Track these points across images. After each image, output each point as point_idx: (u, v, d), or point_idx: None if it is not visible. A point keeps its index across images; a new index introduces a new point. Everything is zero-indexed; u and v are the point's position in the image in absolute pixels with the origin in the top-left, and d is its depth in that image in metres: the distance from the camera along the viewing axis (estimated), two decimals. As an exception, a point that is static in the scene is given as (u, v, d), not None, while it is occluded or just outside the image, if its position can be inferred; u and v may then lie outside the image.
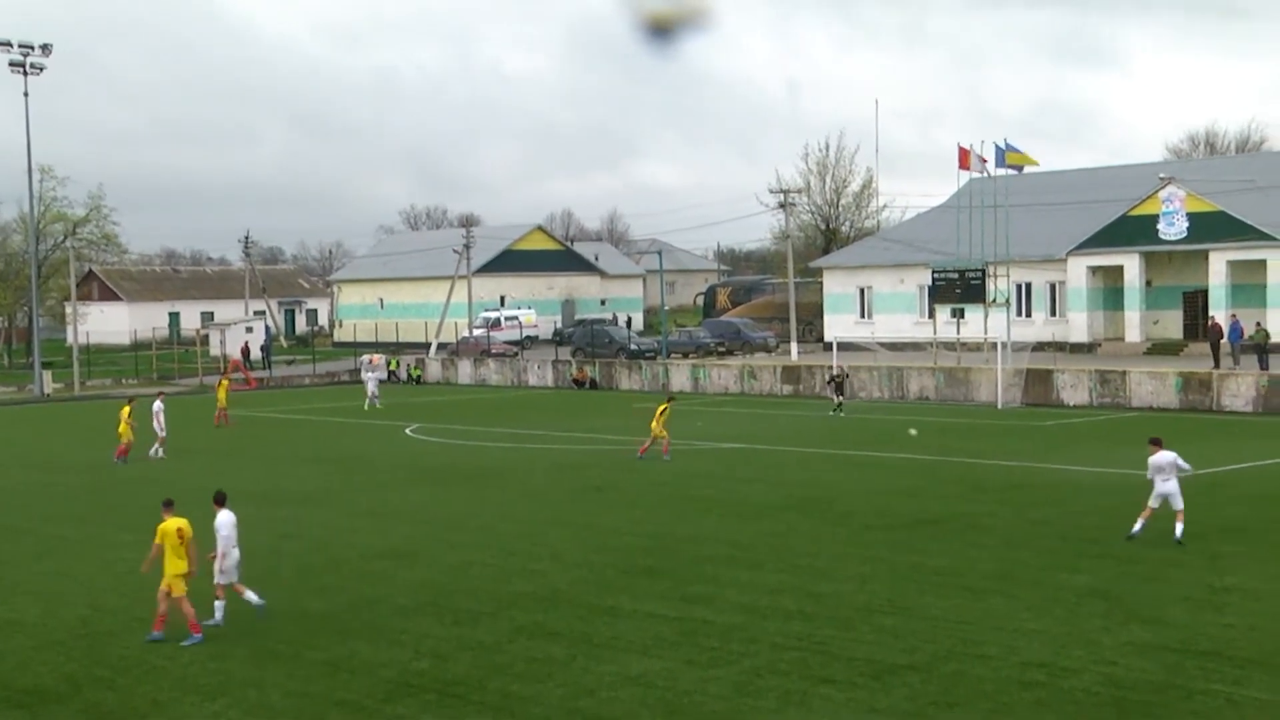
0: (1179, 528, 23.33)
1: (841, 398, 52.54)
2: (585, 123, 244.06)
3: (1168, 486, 23.26)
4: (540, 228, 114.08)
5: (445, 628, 18.89)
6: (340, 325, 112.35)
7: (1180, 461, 23.42)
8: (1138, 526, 23.63)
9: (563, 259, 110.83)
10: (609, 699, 15.38)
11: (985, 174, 63.99)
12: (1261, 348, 52.22)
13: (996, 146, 62.90)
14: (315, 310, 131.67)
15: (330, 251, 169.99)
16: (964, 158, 63.52)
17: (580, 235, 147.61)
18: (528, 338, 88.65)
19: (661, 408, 38.13)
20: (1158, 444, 23.73)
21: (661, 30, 8.85)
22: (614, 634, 18.20)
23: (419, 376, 77.22)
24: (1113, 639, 17.33)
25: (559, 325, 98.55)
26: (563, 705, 15.20)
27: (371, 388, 60.01)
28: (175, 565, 18.50)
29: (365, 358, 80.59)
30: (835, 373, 54.41)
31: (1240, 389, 49.19)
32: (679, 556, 23.63)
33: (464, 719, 14.85)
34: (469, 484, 33.88)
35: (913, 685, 15.57)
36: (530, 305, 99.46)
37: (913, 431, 41.13)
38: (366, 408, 57.50)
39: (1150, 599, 19.49)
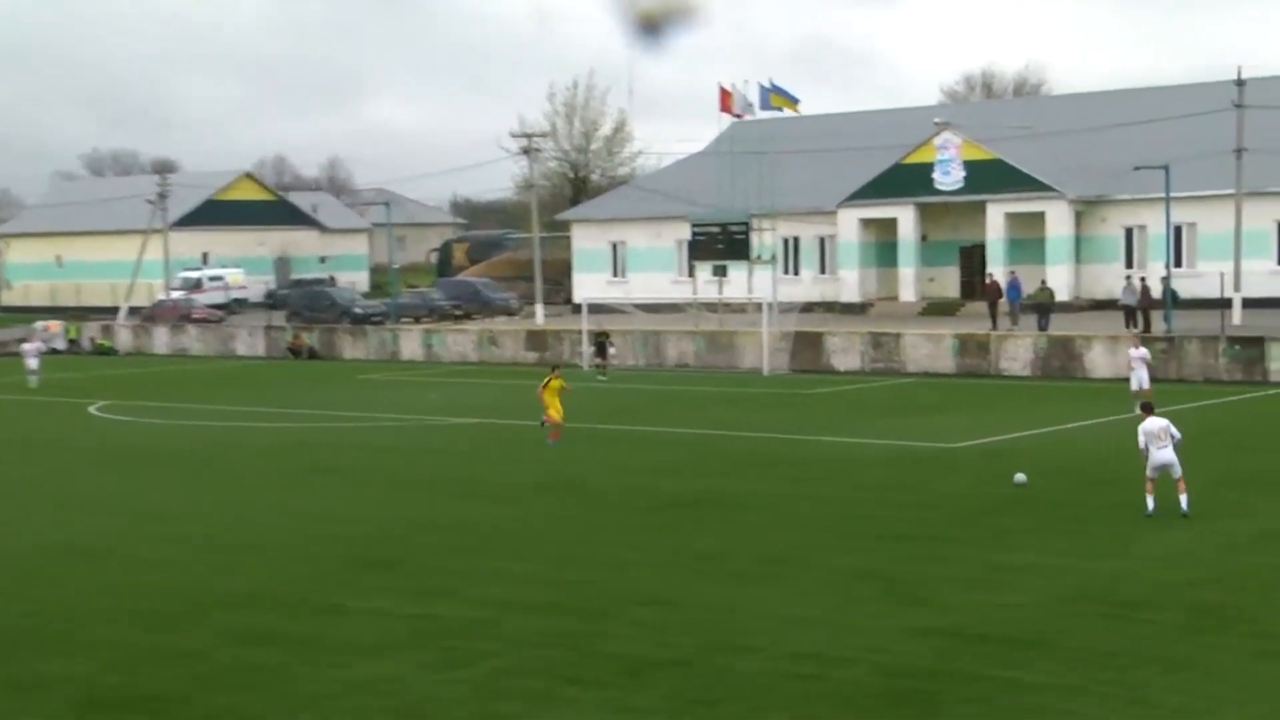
0: (1183, 499, 23.57)
1: (603, 361, 53.09)
2: (303, 55, 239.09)
3: (1164, 455, 23.48)
4: (249, 175, 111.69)
5: (141, 634, 18.37)
6: (9, 287, 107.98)
7: (1173, 429, 23.70)
8: (1151, 504, 23.69)
9: (276, 211, 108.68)
10: (333, 709, 15.21)
11: (749, 117, 65.15)
12: (1045, 307, 54.63)
13: (761, 87, 64.07)
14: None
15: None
16: (725, 99, 64.51)
17: (296, 184, 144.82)
18: (235, 301, 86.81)
19: (550, 382, 35.47)
20: (1148, 409, 24.21)
21: (650, 27, 9.01)
22: (338, 636, 17.99)
23: (108, 347, 74.70)
24: (887, 624, 17.94)
25: (272, 286, 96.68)
26: (279, 718, 14.95)
27: (32, 362, 56.57)
28: None
29: (39, 324, 77.56)
30: (597, 333, 54.58)
31: (1019, 352, 51.45)
32: (412, 546, 23.50)
33: (163, 739, 14.49)
34: (168, 469, 33.00)
35: (673, 682, 15.82)
36: (238, 264, 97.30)
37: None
38: (34, 385, 55.09)
39: (928, 580, 20.24)
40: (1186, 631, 17.29)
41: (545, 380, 35.76)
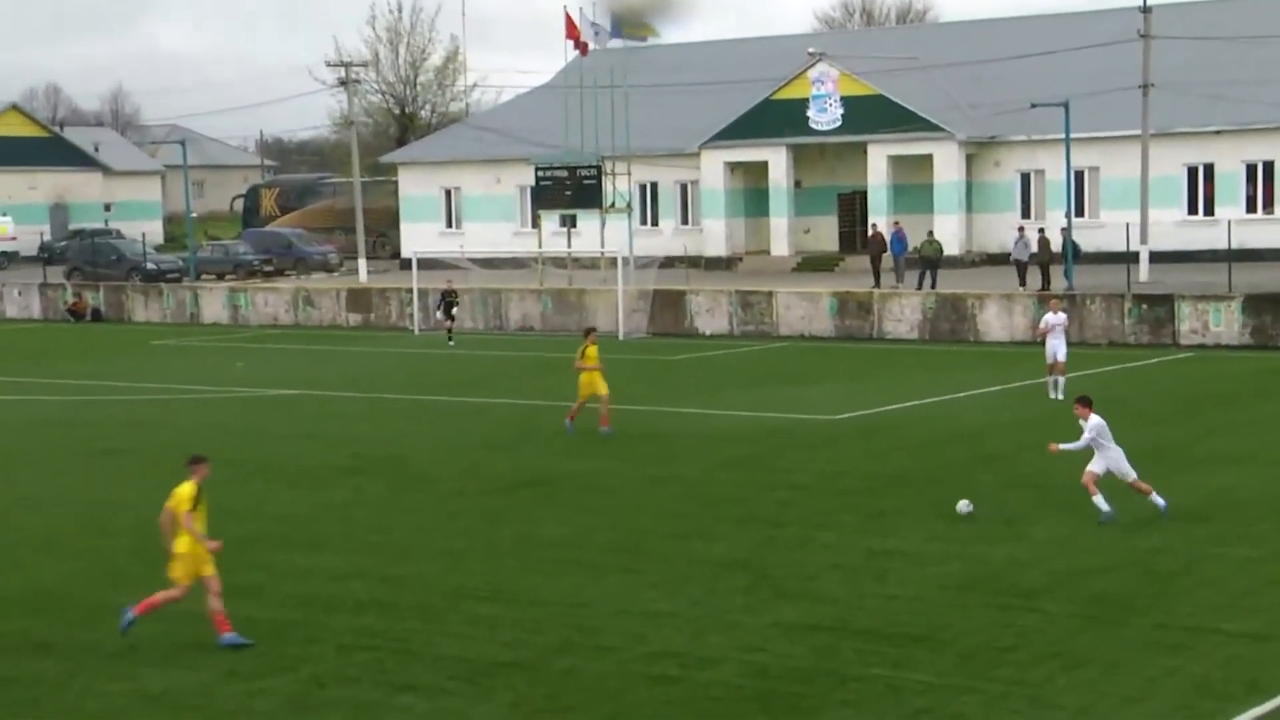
0: (1158, 500, 22.97)
1: (451, 322, 52.73)
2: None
3: (1111, 455, 22.93)
4: (16, 107, 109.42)
5: (-105, 645, 18.01)
6: None
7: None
8: (1104, 505, 22.84)
9: (50, 150, 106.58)
10: (123, 727, 15.05)
11: (598, 46, 65.06)
12: (932, 262, 55.37)
13: (610, 13, 63.96)
14: None
15: None
16: (571, 27, 64.39)
17: (74, 119, 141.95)
18: (3, 254, 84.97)
19: (588, 349, 32.14)
20: (1087, 405, 23.22)
21: (635, 20, 8.98)
22: (127, 642, 17.77)
23: None
24: (757, 620, 18.13)
25: (48, 238, 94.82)
26: (60, 739, 14.76)
27: None
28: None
29: None
30: (445, 292, 53.77)
31: (904, 312, 52.14)
32: (215, 537, 23.22)
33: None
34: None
35: (517, 688, 15.87)
36: (5, 212, 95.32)
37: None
38: None
39: (800, 570, 20.48)
40: (1086, 623, 17.72)
41: (582, 348, 32.37)
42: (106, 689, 16.17)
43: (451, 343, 52.13)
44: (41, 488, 27.97)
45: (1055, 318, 36.67)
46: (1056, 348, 36.02)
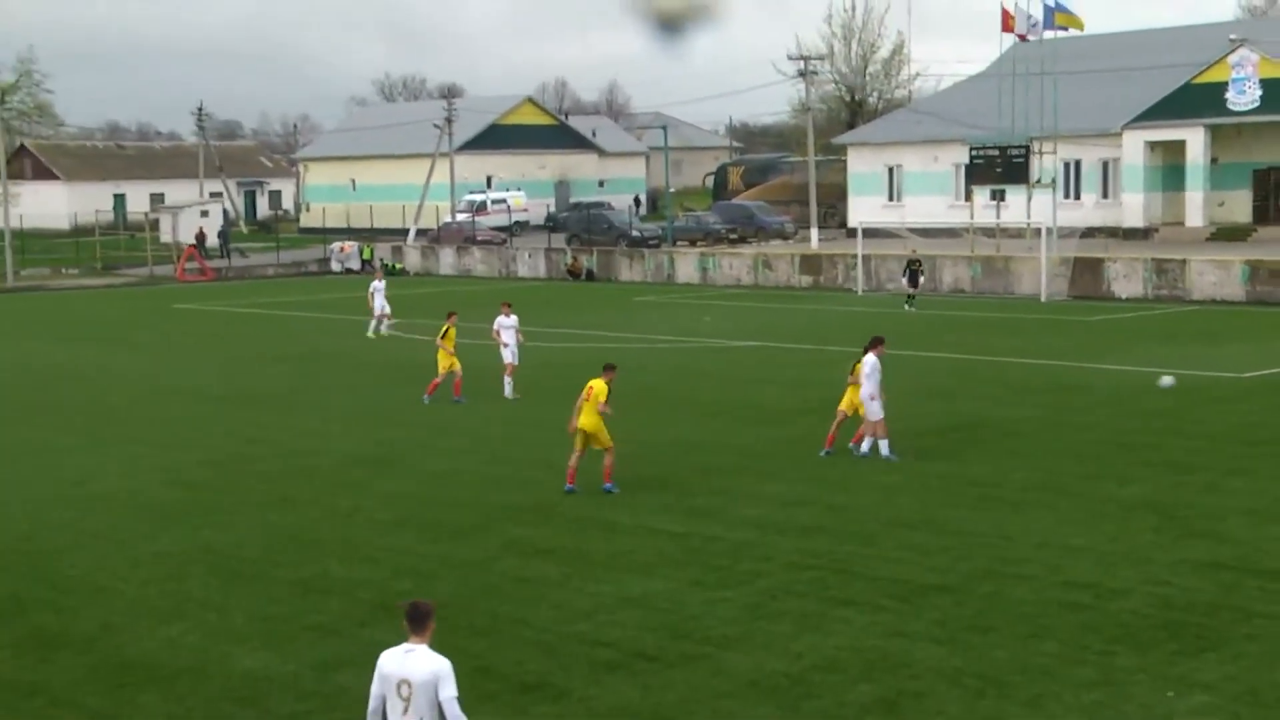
0: (870, 443, 23.75)
1: (916, 289, 51.59)
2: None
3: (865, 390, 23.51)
4: (531, 99, 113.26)
5: (427, 545, 19.05)
6: (307, 209, 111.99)
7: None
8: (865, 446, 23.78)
9: (556, 135, 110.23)
10: (606, 622, 15.56)
11: (1032, 37, 63.37)
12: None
13: (1045, 5, 62.21)
14: (279, 192, 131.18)
15: (295, 126, 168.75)
16: (1007, 19, 62.88)
17: (575, 109, 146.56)
18: (517, 223, 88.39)
19: (448, 330, 31.22)
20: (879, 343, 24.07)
21: (670, 25, 9.05)
22: (610, 550, 18.35)
23: (398, 268, 77.02)
24: (1165, 556, 17.48)
25: (552, 209, 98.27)
26: (556, 629, 15.37)
27: (379, 303, 45.84)
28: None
29: (335, 245, 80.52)
30: (911, 257, 53.19)
31: (1314, 279, 49.08)
32: (682, 465, 23.77)
33: (449, 642, 15.01)
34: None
35: (944, 608, 15.73)
36: (520, 187, 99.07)
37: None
38: (373, 333, 45.78)
39: (1209, 512, 19.63)
40: None
41: (444, 329, 31.41)
42: (595, 590, 16.75)
43: (910, 307, 50.23)
44: (546, 420, 28.97)
45: None
46: None
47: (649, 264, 68.14)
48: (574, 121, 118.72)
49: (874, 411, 23.54)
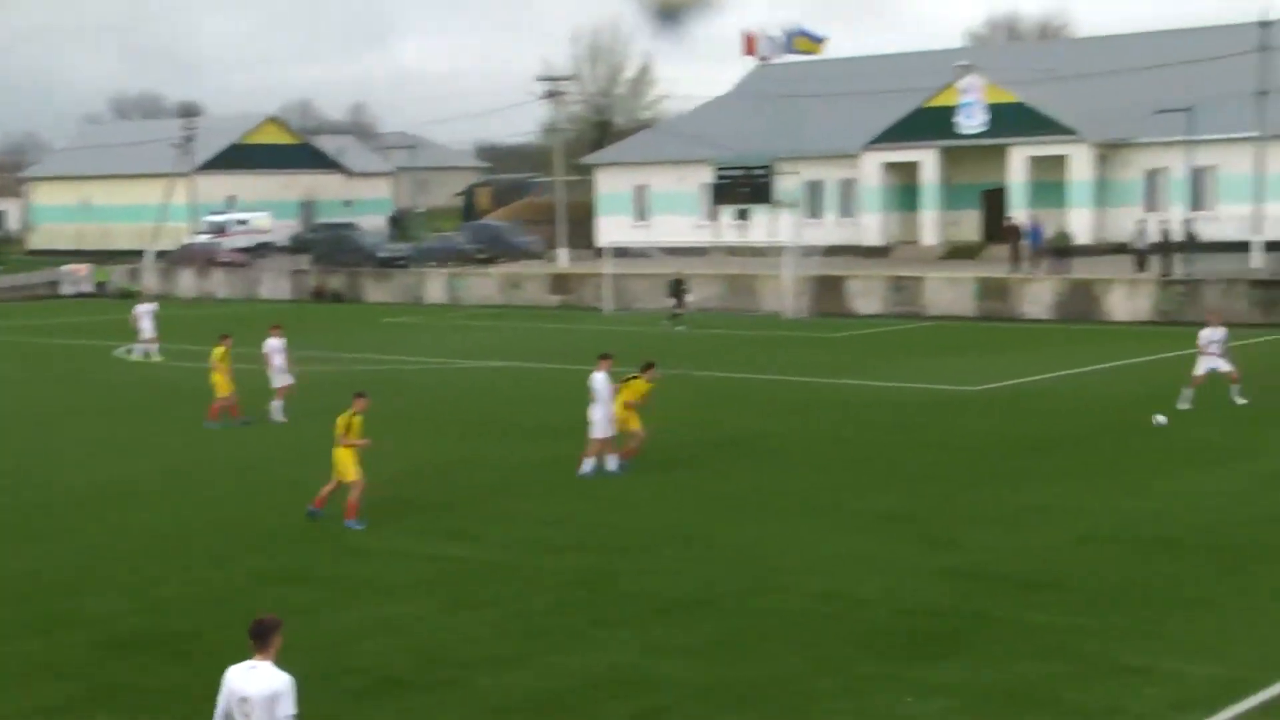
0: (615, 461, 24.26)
1: (682, 308, 52.00)
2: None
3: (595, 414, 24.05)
4: (273, 119, 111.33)
5: (177, 573, 18.51)
6: (35, 230, 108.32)
7: None
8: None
9: (301, 155, 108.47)
10: (356, 649, 15.37)
11: (773, 60, 64.82)
12: (1063, 251, 54.43)
13: (784, 31, 63.73)
14: (2, 213, 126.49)
15: (20, 144, 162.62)
16: (749, 43, 64.34)
17: (321, 128, 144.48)
18: (261, 245, 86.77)
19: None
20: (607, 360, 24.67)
21: (669, 13, 9.08)
22: (364, 576, 18.11)
23: (134, 290, 74.49)
24: (908, 565, 17.99)
25: (297, 230, 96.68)
26: (305, 657, 15.05)
27: (147, 326, 43.94)
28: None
29: (65, 268, 77.94)
30: (677, 276, 53.57)
31: (1040, 294, 51.26)
32: (437, 487, 23.59)
33: (196, 673, 14.62)
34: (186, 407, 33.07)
35: (700, 622, 15.94)
36: (264, 208, 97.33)
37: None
38: (142, 356, 44.31)
39: (947, 521, 20.29)
40: (1213, 572, 17.33)
41: (219, 350, 31.01)
42: (346, 616, 16.47)
43: (680, 327, 50.42)
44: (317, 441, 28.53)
45: (1213, 334, 29.78)
46: (1212, 364, 29.57)
47: (397, 285, 67.55)
48: (320, 141, 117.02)
49: (601, 429, 23.77)
